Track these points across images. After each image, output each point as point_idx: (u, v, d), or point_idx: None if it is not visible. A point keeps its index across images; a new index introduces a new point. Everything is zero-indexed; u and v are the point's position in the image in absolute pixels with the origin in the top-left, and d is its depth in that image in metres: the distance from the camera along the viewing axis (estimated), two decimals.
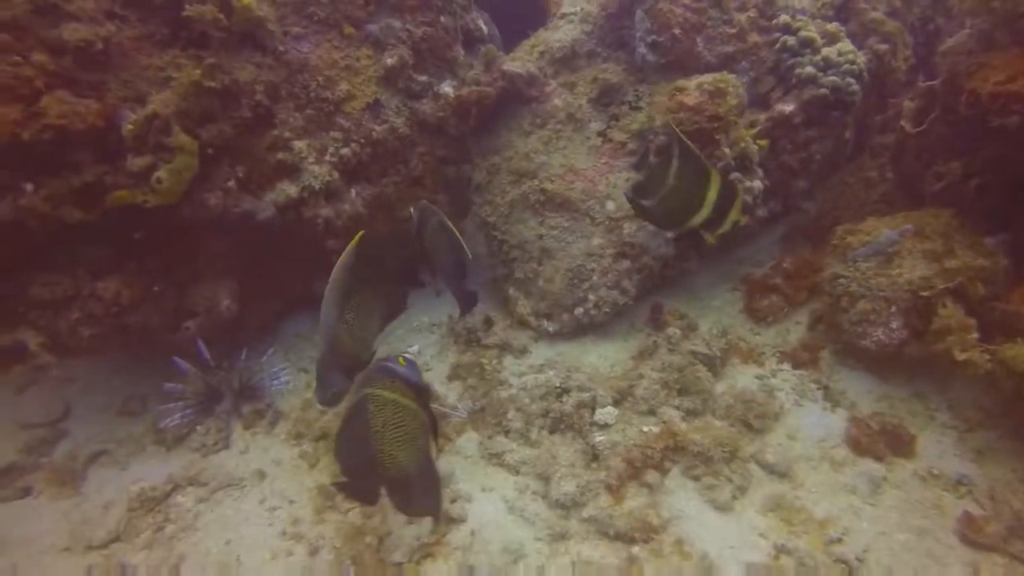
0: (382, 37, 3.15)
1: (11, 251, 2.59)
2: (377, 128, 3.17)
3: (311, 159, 3.02)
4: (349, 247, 2.31)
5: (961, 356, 2.47)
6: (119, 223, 2.79)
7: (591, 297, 3.32)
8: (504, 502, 2.62)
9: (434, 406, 3.02)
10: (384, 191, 3.33)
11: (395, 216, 3.45)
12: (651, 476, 2.57)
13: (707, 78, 3.19)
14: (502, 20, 4.06)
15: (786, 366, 3.15)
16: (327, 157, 3.06)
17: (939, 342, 2.59)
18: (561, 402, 2.84)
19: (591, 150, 3.44)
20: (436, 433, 2.19)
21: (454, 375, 3.27)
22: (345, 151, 3.09)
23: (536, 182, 3.39)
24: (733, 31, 3.36)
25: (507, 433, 2.86)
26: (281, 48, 2.94)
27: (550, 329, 3.44)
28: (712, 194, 2.34)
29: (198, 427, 3.21)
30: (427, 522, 2.57)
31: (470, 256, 2.90)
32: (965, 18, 2.89)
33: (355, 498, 2.47)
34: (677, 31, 3.27)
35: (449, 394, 3.19)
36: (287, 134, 2.98)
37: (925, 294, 2.62)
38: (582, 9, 3.64)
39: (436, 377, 3.32)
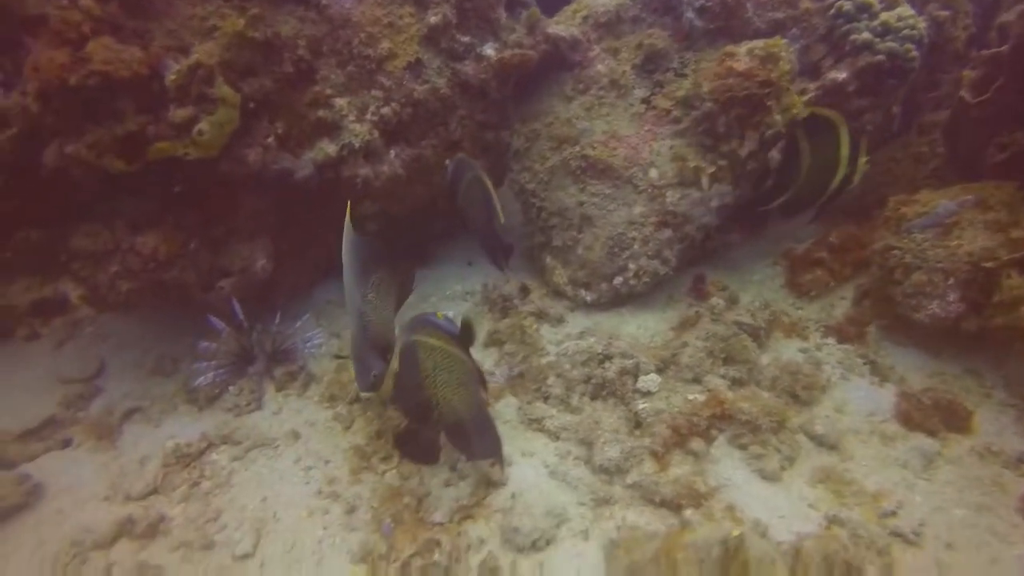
0: None
1: (55, 200, 2.57)
2: (418, 88, 3.11)
3: (352, 117, 2.97)
4: (347, 223, 2.31)
5: None
6: (158, 177, 2.77)
7: (631, 266, 3.25)
8: (545, 467, 2.57)
9: None
10: (423, 153, 3.27)
11: (432, 180, 3.40)
12: (696, 444, 2.51)
13: (758, 43, 3.09)
14: None
15: (831, 340, 3.07)
16: (368, 116, 3.01)
17: (1001, 315, 2.49)
18: (603, 368, 2.78)
19: (634, 117, 3.35)
20: (484, 382, 2.19)
21: (490, 342, 3.22)
22: (386, 110, 3.03)
23: (577, 148, 3.32)
24: None
25: (546, 399, 2.81)
26: (324, 2, 2.89)
27: (588, 299, 3.38)
28: (844, 150, 2.50)
29: (230, 387, 3.19)
30: (465, 484, 2.53)
31: (502, 219, 2.86)
32: None
33: (416, 459, 2.47)
34: None
35: (485, 360, 3.14)
36: (328, 91, 2.92)
37: (988, 265, 2.52)
38: None
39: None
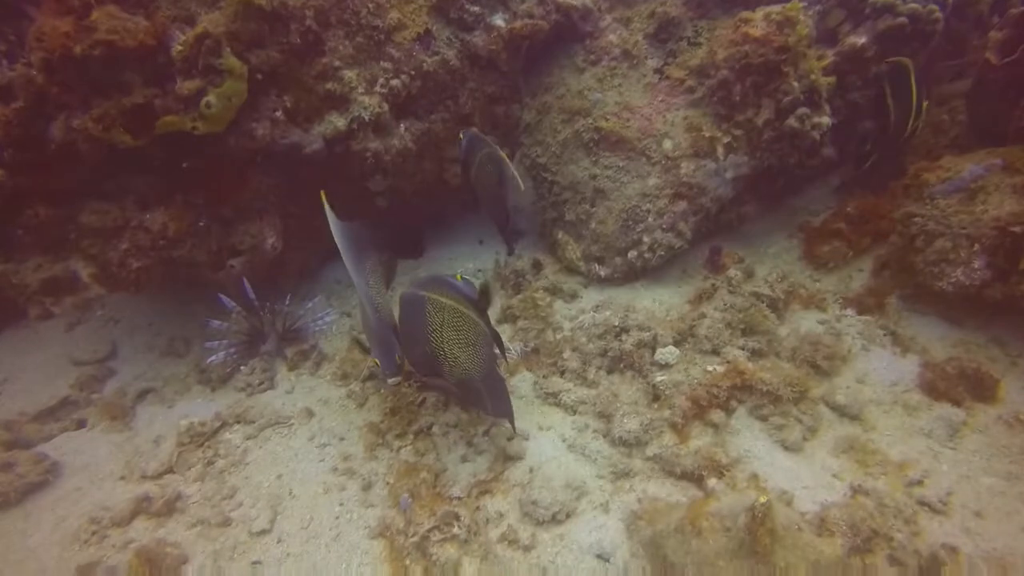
0: None
1: (63, 176, 2.53)
2: (428, 60, 3.04)
3: (361, 90, 2.91)
4: (328, 210, 2.28)
5: None
6: (166, 152, 2.73)
7: (645, 239, 3.20)
8: (563, 440, 2.54)
9: None
10: (432, 127, 3.21)
11: (442, 155, 3.35)
12: (716, 415, 2.47)
13: (774, 8, 3.01)
14: None
15: (850, 311, 3.02)
16: (377, 88, 2.95)
17: None
18: (620, 341, 2.74)
19: (647, 87, 3.28)
20: (501, 348, 2.17)
21: (504, 317, 3.18)
22: (395, 82, 2.97)
23: (590, 120, 3.25)
24: None
25: (563, 373, 2.78)
26: None
27: (601, 273, 3.33)
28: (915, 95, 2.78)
29: (242, 367, 3.18)
30: (482, 459, 2.51)
31: (521, 187, 2.81)
32: None
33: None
34: None
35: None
36: (336, 63, 2.86)
37: (1016, 229, 2.46)
38: None
39: None
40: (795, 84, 2.96)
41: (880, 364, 2.75)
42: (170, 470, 2.67)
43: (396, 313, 2.32)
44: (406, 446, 2.62)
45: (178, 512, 2.47)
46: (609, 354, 2.75)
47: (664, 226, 3.18)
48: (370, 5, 2.89)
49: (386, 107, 2.97)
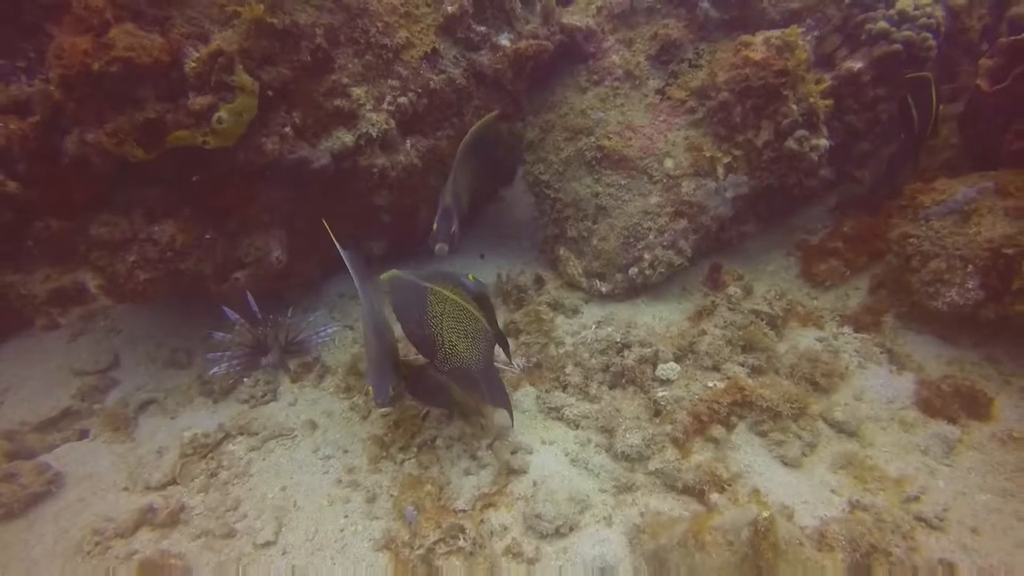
0: None
1: (74, 189, 2.56)
2: (434, 78, 3.11)
3: (369, 106, 2.97)
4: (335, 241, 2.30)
5: None
6: (175, 166, 2.76)
7: (646, 256, 3.25)
8: (566, 455, 2.57)
9: None
10: (438, 144, 3.27)
11: (447, 171, 3.40)
12: (717, 431, 2.51)
13: (774, 32, 3.10)
14: None
15: (847, 329, 3.08)
16: (384, 105, 3.01)
17: (1021, 302, 2.50)
18: (622, 357, 2.78)
19: (649, 107, 3.36)
20: (505, 347, 2.24)
21: (506, 332, 3.21)
22: (403, 100, 3.03)
23: (592, 139, 3.32)
24: None
25: (565, 388, 2.81)
26: None
27: (603, 289, 3.38)
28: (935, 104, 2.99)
29: (245, 379, 3.19)
30: (486, 472, 2.53)
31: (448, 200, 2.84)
32: None
33: (426, 400, 2.59)
34: None
35: (501, 352, 3.13)
36: (345, 80, 2.92)
37: (1008, 251, 2.52)
38: None
39: None
40: (794, 107, 3.04)
41: (877, 381, 2.80)
42: (173, 481, 2.67)
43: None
44: (410, 459, 2.63)
45: (182, 523, 2.47)
46: (611, 369, 2.79)
47: (665, 243, 3.24)
48: (379, 24, 2.96)
49: (393, 124, 3.03)
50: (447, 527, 2.21)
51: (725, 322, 2.92)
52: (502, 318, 3.31)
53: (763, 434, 2.54)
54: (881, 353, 2.92)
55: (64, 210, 2.60)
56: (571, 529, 2.28)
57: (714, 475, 2.33)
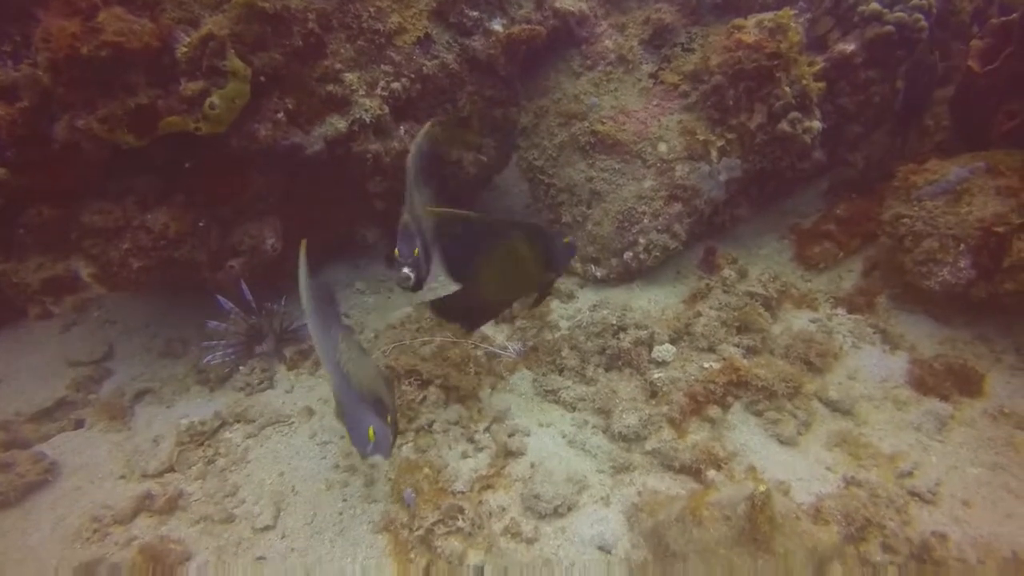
0: None
1: (66, 175, 2.54)
2: (427, 63, 3.09)
3: (362, 92, 2.95)
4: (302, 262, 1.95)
5: None
6: (167, 153, 2.74)
7: (641, 241, 3.26)
8: (563, 436, 2.59)
9: (483, 346, 2.98)
10: (431, 130, 3.25)
11: (442, 158, 3.40)
12: (713, 411, 2.53)
13: (766, 15, 3.10)
14: None
15: (841, 311, 3.10)
16: (378, 90, 2.99)
17: (1011, 280, 2.52)
18: (618, 339, 2.79)
19: (643, 92, 3.35)
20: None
21: (501, 318, 3.22)
22: (396, 85, 3.01)
23: (586, 124, 3.32)
24: None
25: (561, 371, 2.82)
26: None
27: (598, 274, 3.39)
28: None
29: (241, 367, 3.19)
30: (482, 456, 2.54)
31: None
32: None
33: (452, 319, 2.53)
34: None
35: (497, 336, 3.14)
36: (338, 65, 2.90)
37: (999, 230, 2.55)
38: None
39: None
40: (787, 89, 3.05)
41: (871, 361, 2.82)
42: (171, 469, 2.67)
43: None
44: (407, 443, 2.64)
45: (180, 509, 2.47)
46: (607, 352, 2.80)
47: (659, 227, 3.25)
48: (371, 9, 2.94)
49: (386, 109, 3.02)
50: (446, 508, 2.22)
51: (720, 304, 2.94)
52: None
53: (759, 413, 2.57)
54: (874, 333, 2.95)
55: (55, 197, 2.58)
56: (569, 509, 2.29)
57: (710, 454, 2.35)
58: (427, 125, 2.48)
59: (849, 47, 3.22)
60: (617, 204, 3.27)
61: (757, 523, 1.74)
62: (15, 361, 3.34)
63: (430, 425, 2.65)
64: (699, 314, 2.89)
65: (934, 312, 2.93)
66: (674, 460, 2.38)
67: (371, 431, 1.73)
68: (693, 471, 2.36)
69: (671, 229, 3.26)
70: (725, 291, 3.04)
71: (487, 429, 2.62)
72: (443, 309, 2.37)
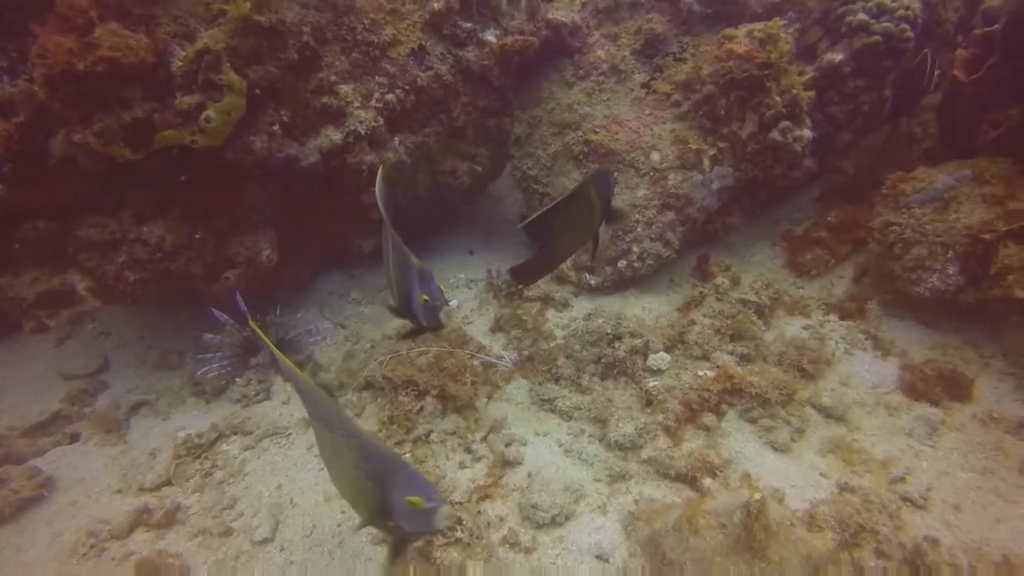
0: None
1: (63, 190, 2.54)
2: (421, 75, 3.12)
3: (356, 104, 2.97)
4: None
5: (1022, 294, 2.45)
6: (163, 166, 2.75)
7: (635, 249, 3.29)
8: (559, 445, 2.60)
9: (480, 355, 3.00)
10: (426, 141, 3.28)
11: (435, 167, 3.42)
12: (708, 419, 2.56)
13: (757, 25, 3.14)
14: None
15: (832, 317, 3.14)
16: (372, 102, 3.01)
17: (998, 286, 2.56)
18: (613, 348, 2.82)
19: (635, 101, 3.39)
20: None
21: (497, 327, 3.24)
22: (390, 97, 3.04)
23: (579, 133, 3.35)
24: None
25: (557, 380, 2.84)
26: None
27: (592, 282, 3.41)
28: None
29: (237, 379, 3.19)
30: (480, 466, 2.56)
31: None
32: None
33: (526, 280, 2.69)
34: None
35: (493, 345, 3.16)
36: (333, 77, 2.92)
37: (986, 236, 2.59)
38: None
39: (479, 330, 3.30)
40: (777, 98, 3.09)
41: (862, 367, 2.86)
42: (168, 482, 2.67)
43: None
44: (404, 454, 2.65)
45: (178, 523, 2.47)
46: (602, 361, 2.83)
47: (653, 236, 3.28)
48: (366, 21, 2.96)
49: (381, 121, 3.04)
50: None
51: (714, 312, 2.97)
52: (492, 312, 3.34)
53: (753, 421, 2.59)
54: (866, 339, 2.99)
55: (51, 211, 2.58)
56: (567, 518, 2.31)
57: (706, 462, 2.38)
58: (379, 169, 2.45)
59: (838, 57, 3.26)
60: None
61: (752, 531, 1.77)
62: (9, 375, 3.32)
63: (427, 435, 2.67)
64: (693, 322, 2.92)
65: (924, 318, 2.97)
66: (670, 468, 2.40)
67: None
68: (689, 479, 2.38)
69: (664, 237, 3.29)
70: (718, 299, 3.07)
71: (484, 439, 2.63)
72: (523, 273, 2.44)
